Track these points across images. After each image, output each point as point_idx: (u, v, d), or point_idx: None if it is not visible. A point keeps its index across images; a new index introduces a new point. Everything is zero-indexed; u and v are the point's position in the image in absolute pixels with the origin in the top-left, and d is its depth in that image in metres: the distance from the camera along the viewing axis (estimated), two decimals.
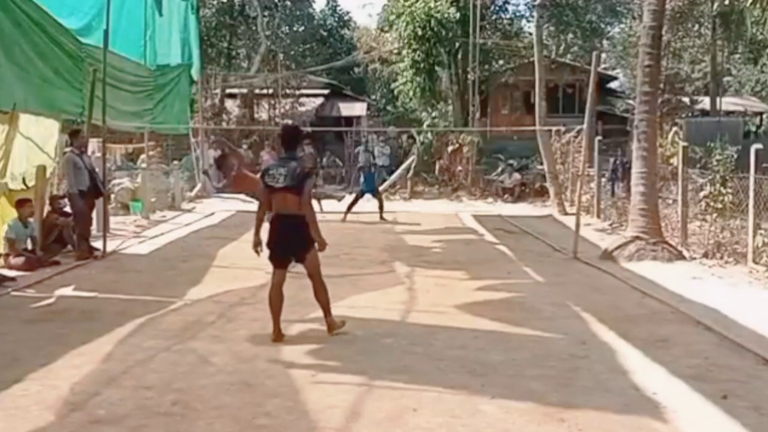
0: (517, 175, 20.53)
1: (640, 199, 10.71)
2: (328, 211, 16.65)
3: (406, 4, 22.09)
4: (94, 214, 11.02)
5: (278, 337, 6.04)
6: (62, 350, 5.71)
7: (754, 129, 30.84)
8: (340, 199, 17.74)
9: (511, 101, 27.71)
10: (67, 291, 8.12)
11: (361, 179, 16.65)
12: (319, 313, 6.29)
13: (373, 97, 32.64)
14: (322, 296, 6.19)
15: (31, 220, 9.75)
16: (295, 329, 6.44)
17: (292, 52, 30.00)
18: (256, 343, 5.97)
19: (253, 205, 17.95)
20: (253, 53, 30.01)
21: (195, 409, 4.53)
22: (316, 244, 5.98)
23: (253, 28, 29.89)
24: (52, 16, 10.19)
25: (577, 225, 11.02)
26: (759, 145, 9.78)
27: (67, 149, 10.57)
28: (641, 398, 4.80)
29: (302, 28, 32.48)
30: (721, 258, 10.05)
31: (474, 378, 5.14)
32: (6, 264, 9.31)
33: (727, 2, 22.67)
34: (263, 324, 6.58)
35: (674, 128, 19.89)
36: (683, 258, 10.31)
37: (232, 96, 28.39)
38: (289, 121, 26.29)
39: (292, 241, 5.97)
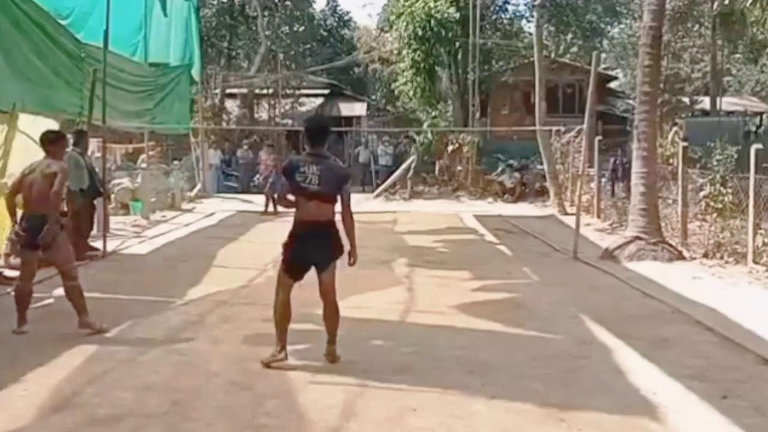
0: (517, 175, 20.50)
1: (640, 199, 10.71)
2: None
3: (406, 4, 22.07)
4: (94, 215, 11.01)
5: (283, 357, 5.36)
6: (62, 350, 5.70)
7: (754, 129, 30.80)
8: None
9: (511, 101, 27.67)
10: None
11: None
12: (318, 311, 5.97)
13: (373, 97, 32.65)
14: (334, 319, 5.44)
15: None
16: (294, 329, 6.42)
17: (292, 52, 29.99)
18: (255, 343, 5.96)
19: (252, 206, 18.16)
20: (253, 53, 30.00)
21: (195, 409, 4.53)
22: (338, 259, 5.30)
23: (253, 28, 29.88)
24: (51, 16, 10.17)
25: (577, 225, 11.01)
26: (759, 145, 9.78)
27: (69, 149, 10.54)
28: (641, 398, 4.80)
29: (302, 28, 32.45)
30: (721, 258, 10.04)
31: (474, 378, 5.14)
32: (6, 264, 9.30)
33: (727, 2, 22.65)
34: (262, 324, 6.56)
35: (674, 128, 19.88)
36: (683, 258, 10.31)
37: (232, 96, 28.40)
38: (288, 120, 26.34)
39: (316, 251, 5.28)
